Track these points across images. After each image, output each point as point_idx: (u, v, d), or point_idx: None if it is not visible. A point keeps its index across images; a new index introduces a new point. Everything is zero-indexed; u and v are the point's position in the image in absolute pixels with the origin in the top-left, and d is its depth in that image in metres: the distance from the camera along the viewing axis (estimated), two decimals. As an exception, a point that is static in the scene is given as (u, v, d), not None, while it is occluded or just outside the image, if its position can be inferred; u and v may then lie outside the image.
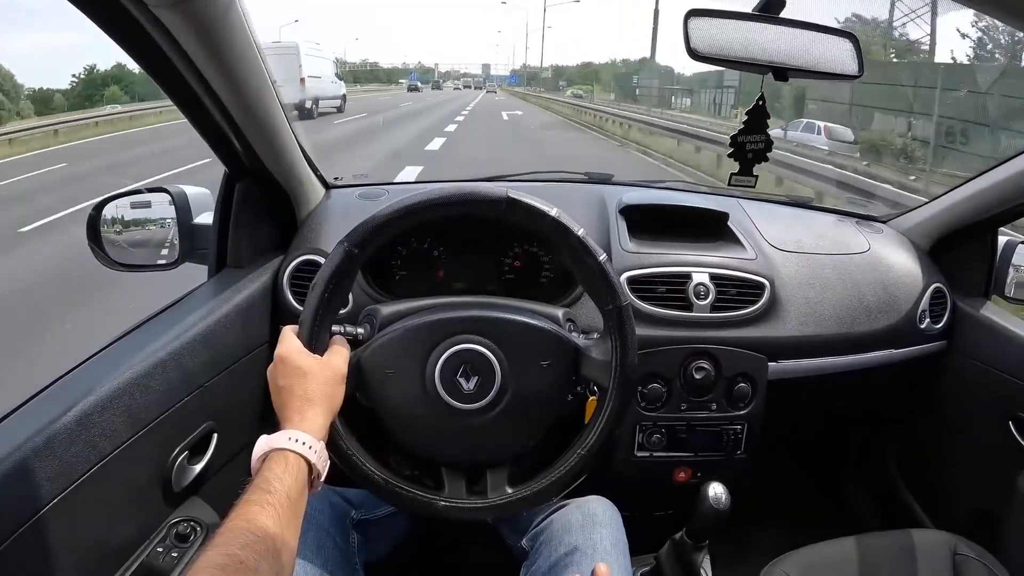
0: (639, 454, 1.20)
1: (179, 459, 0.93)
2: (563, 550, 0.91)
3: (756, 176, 1.00)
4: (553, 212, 0.85)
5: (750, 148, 0.98)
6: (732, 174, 0.99)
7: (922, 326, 1.28)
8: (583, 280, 0.91)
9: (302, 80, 16.96)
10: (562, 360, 0.89)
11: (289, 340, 0.81)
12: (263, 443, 0.73)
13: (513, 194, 0.85)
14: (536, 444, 0.92)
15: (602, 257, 0.86)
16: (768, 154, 0.98)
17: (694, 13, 0.88)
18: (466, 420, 0.87)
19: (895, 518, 1.48)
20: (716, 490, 0.99)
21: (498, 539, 1.07)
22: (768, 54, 0.91)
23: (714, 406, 1.17)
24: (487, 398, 0.87)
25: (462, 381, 0.86)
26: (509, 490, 0.90)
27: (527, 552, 0.98)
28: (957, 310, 1.32)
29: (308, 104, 16.79)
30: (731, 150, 0.97)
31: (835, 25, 0.99)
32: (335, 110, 19.66)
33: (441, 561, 1.38)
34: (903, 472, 1.51)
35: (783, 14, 0.91)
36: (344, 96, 21.56)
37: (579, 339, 0.92)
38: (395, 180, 1.43)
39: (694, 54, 0.87)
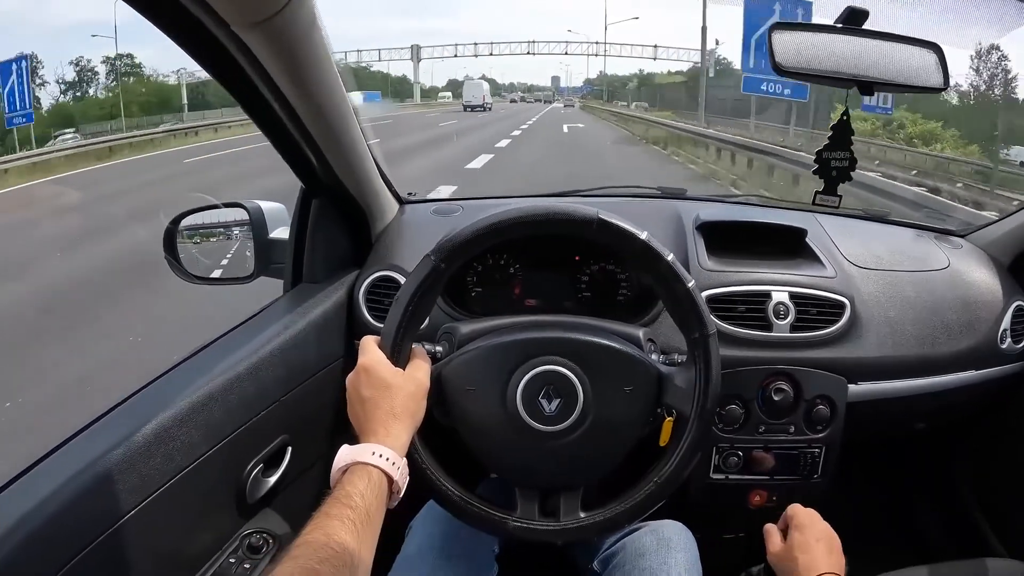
0: (715, 476, 1.17)
1: (254, 472, 0.94)
2: (637, 575, 0.90)
3: (840, 196, 0.98)
4: (643, 236, 0.84)
5: (835, 166, 0.96)
6: (816, 192, 0.97)
7: (1003, 346, 1.22)
8: (670, 305, 0.89)
9: (484, 96, 37.97)
10: (645, 386, 0.88)
11: (372, 351, 0.81)
12: (346, 455, 0.72)
13: (604, 215, 0.84)
14: (615, 468, 0.91)
15: (691, 284, 0.85)
16: (852, 172, 0.96)
17: (779, 27, 0.87)
18: (545, 442, 0.86)
19: (969, 546, 1.41)
20: None
21: (567, 560, 1.06)
22: (853, 67, 0.89)
23: (792, 429, 1.14)
24: (568, 421, 0.86)
25: (544, 403, 0.85)
26: (582, 514, 0.88)
27: (599, 575, 0.96)
28: None
29: (483, 105, 36.56)
30: (815, 167, 0.95)
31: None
32: (489, 109, 36.50)
33: None
34: (978, 498, 1.45)
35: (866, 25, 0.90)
36: (492, 103, 40.93)
37: (662, 365, 0.90)
38: (470, 196, 1.43)
39: (779, 69, 0.86)
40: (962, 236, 1.40)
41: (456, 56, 56.94)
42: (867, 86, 0.90)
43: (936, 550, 1.50)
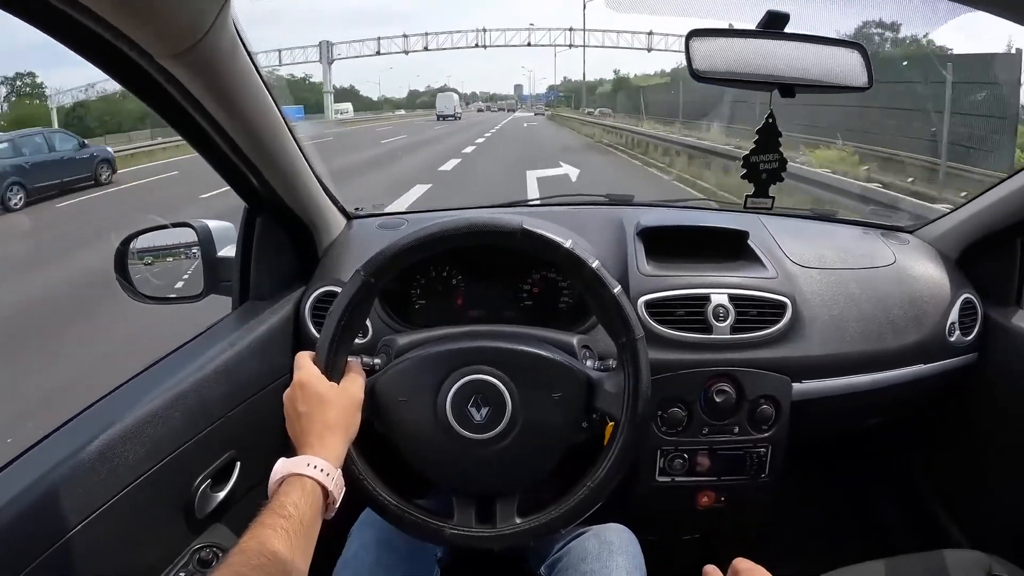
0: (661, 479, 1.18)
1: (202, 487, 0.95)
2: None
3: (773, 197, 0.98)
4: (567, 244, 0.85)
5: (764, 168, 0.97)
6: (747, 196, 0.98)
7: (952, 339, 1.23)
8: (597, 312, 0.91)
9: (455, 106, 41.58)
10: (574, 392, 0.89)
11: (307, 366, 0.82)
12: (281, 467, 0.74)
13: (527, 225, 0.85)
14: (548, 473, 0.92)
15: (616, 289, 0.86)
16: (783, 173, 0.97)
17: (696, 33, 0.87)
18: (476, 450, 0.87)
19: (930, 538, 1.42)
20: None
21: (519, 566, 1.07)
22: (774, 70, 0.90)
23: (736, 429, 1.15)
24: (497, 428, 0.87)
25: (473, 411, 0.87)
26: (518, 520, 0.89)
27: None
28: (988, 321, 1.27)
29: (454, 114, 40.28)
30: (744, 171, 0.96)
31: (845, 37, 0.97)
32: (459, 118, 39.76)
33: None
34: (938, 490, 1.46)
35: (789, 29, 0.91)
36: (461, 112, 44.78)
37: (592, 370, 0.92)
38: (416, 209, 1.45)
39: (697, 75, 0.87)
40: (910, 232, 1.41)
41: (379, 53, 43.23)
42: (788, 88, 0.91)
43: (899, 544, 1.51)
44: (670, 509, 1.23)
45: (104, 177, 12.17)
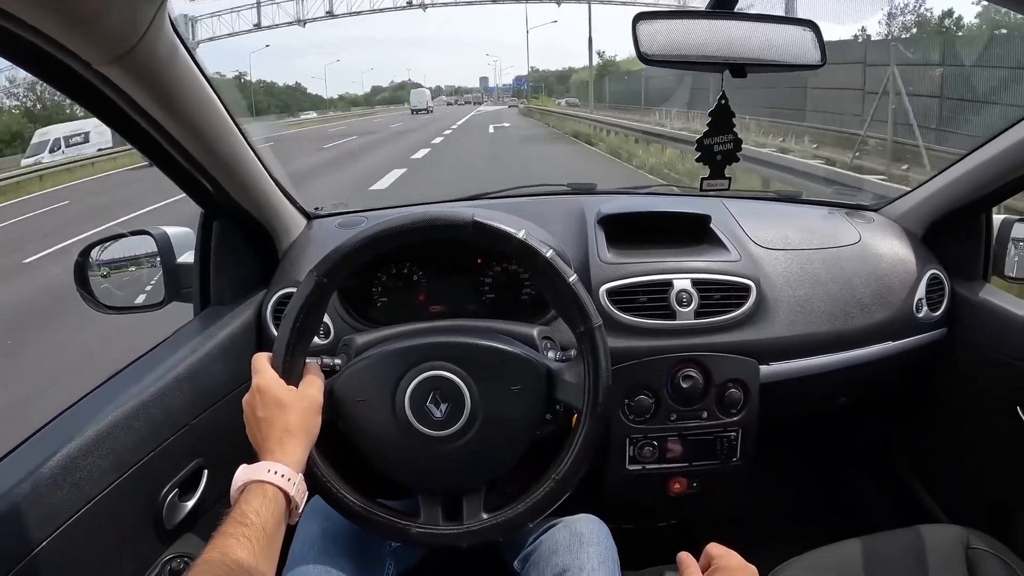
0: (631, 467, 1.17)
1: (169, 496, 0.94)
2: (551, 572, 0.90)
3: (729, 178, 0.98)
4: (520, 234, 0.84)
5: (718, 149, 0.96)
6: (703, 179, 0.97)
7: (920, 315, 1.24)
8: (553, 302, 0.90)
9: (427, 101, 47.95)
10: (533, 384, 0.88)
11: (265, 370, 0.81)
12: (242, 474, 0.74)
13: (478, 217, 0.84)
14: (514, 467, 0.91)
15: (571, 278, 0.85)
16: (738, 154, 0.97)
17: (643, 17, 0.87)
18: (438, 447, 0.86)
19: (908, 514, 1.42)
20: None
21: (495, 560, 1.06)
22: (724, 51, 0.89)
23: (705, 414, 1.14)
24: (457, 424, 0.86)
25: (432, 408, 0.86)
26: (485, 516, 0.88)
27: (519, 574, 0.97)
28: (956, 296, 1.28)
29: (427, 108, 45.29)
30: (698, 154, 0.96)
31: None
32: (431, 112, 44.52)
33: None
34: (913, 466, 1.46)
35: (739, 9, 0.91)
36: (432, 107, 49.58)
37: (552, 361, 0.91)
38: (377, 206, 1.43)
39: (645, 58, 0.86)
40: (875, 210, 1.42)
41: (259, 26, 30.19)
42: (739, 69, 0.90)
43: (876, 522, 1.51)
44: (643, 497, 1.22)
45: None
